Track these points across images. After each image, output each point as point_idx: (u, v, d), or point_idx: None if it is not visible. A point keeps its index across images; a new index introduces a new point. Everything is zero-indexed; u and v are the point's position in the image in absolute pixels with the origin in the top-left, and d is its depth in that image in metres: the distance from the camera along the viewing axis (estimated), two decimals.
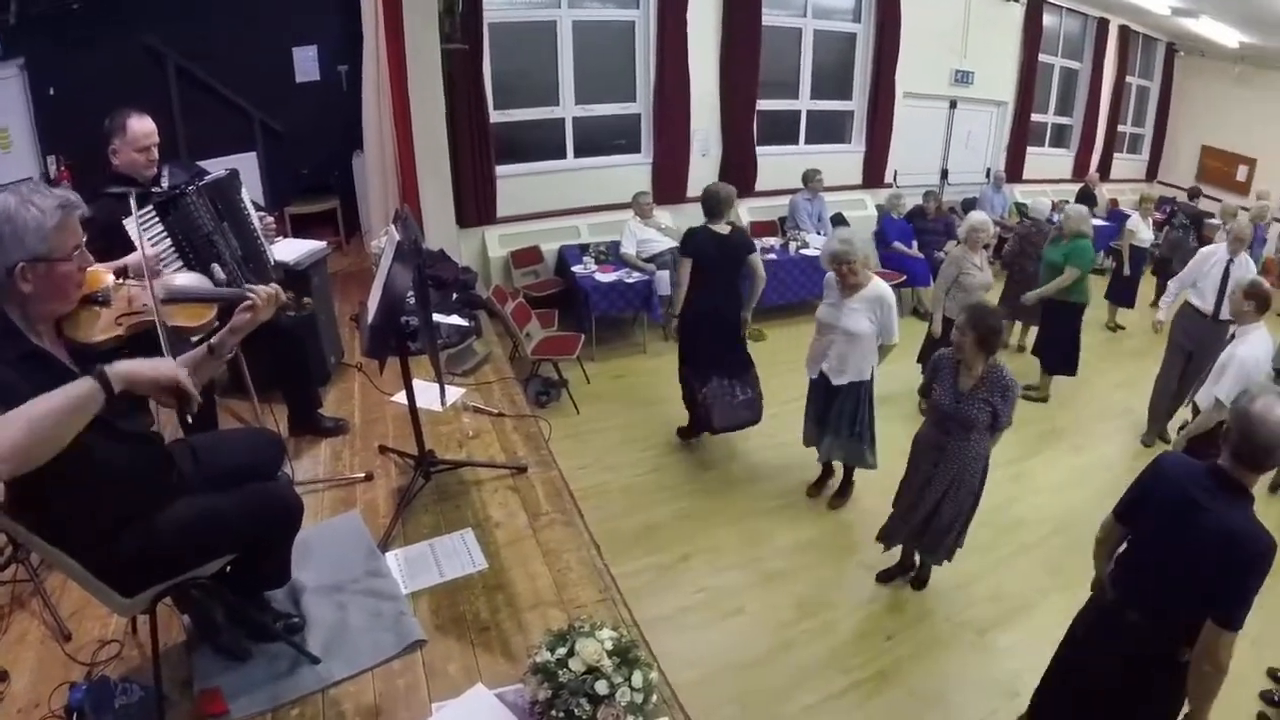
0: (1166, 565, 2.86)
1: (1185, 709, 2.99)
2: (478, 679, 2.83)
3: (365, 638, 2.93)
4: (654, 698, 2.52)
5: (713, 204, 5.78)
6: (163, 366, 2.11)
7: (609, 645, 2.49)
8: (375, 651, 2.88)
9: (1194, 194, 11.35)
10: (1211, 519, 2.70)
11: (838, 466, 5.83)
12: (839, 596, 4.95)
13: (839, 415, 5.43)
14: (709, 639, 4.46)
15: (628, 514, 5.50)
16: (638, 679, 2.46)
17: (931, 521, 4.59)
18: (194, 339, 2.59)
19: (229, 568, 2.64)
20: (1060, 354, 7.70)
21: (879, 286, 5.19)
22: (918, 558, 5.00)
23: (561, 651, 2.46)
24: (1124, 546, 3.09)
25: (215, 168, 4.05)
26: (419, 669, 2.88)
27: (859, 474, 5.77)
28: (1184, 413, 5.51)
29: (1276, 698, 4.47)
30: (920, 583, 5.00)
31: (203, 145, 5.99)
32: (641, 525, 5.40)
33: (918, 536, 4.75)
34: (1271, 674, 4.63)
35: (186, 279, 2.94)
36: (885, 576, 5.03)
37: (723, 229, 5.76)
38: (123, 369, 1.98)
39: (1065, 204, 9.69)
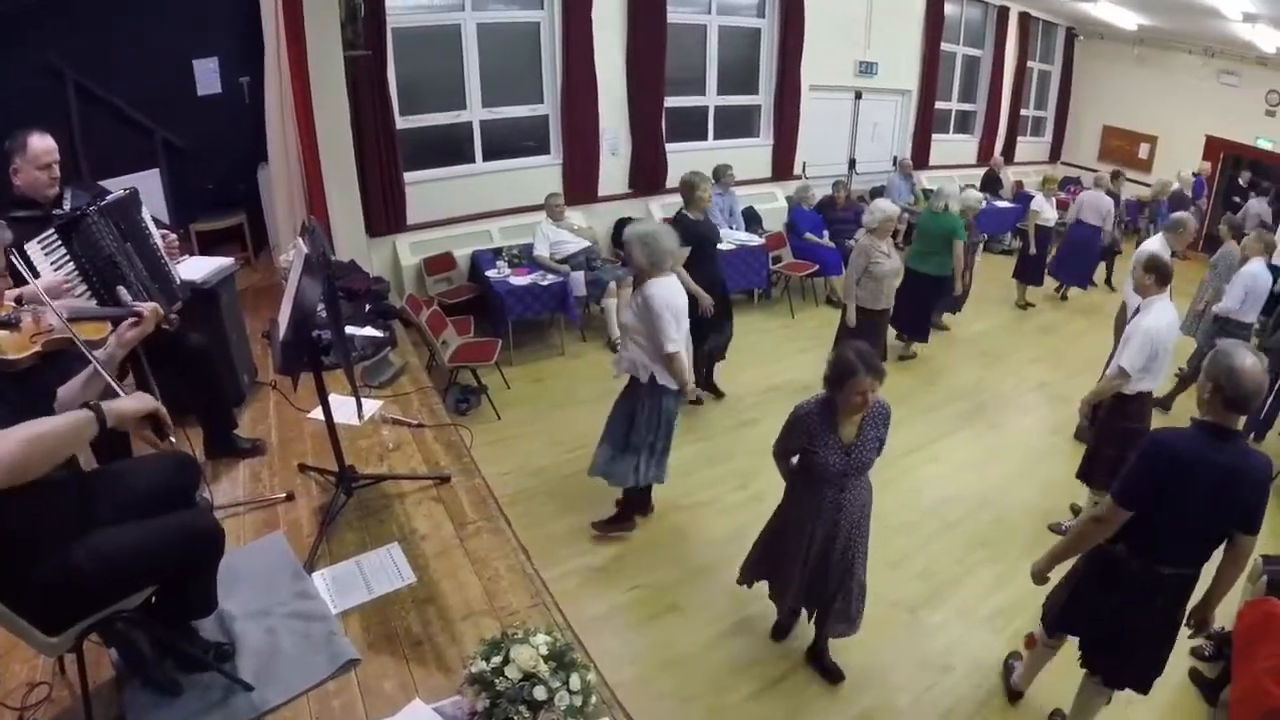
0: (1209, 523, 3.25)
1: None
2: (414, 694, 2.84)
3: (297, 661, 2.91)
4: (593, 699, 2.55)
5: (691, 193, 6.45)
6: (142, 401, 2.36)
7: (544, 650, 2.51)
8: (308, 674, 2.86)
9: (1115, 176, 11.74)
10: (1231, 465, 3.09)
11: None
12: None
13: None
14: (645, 636, 4.51)
15: (555, 517, 5.51)
16: (575, 681, 2.48)
17: (844, 587, 4.04)
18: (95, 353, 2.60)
19: (153, 599, 2.60)
20: (909, 319, 8.25)
21: (652, 285, 4.73)
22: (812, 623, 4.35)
23: (497, 660, 2.47)
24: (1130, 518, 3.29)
25: (118, 187, 3.95)
26: (354, 689, 2.87)
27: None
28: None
29: (1206, 651, 4.72)
30: (836, 675, 4.30)
31: (104, 165, 5.81)
32: (569, 528, 5.41)
33: (822, 606, 4.14)
34: None
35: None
36: (781, 632, 4.57)
37: (698, 216, 6.51)
38: (116, 407, 2.24)
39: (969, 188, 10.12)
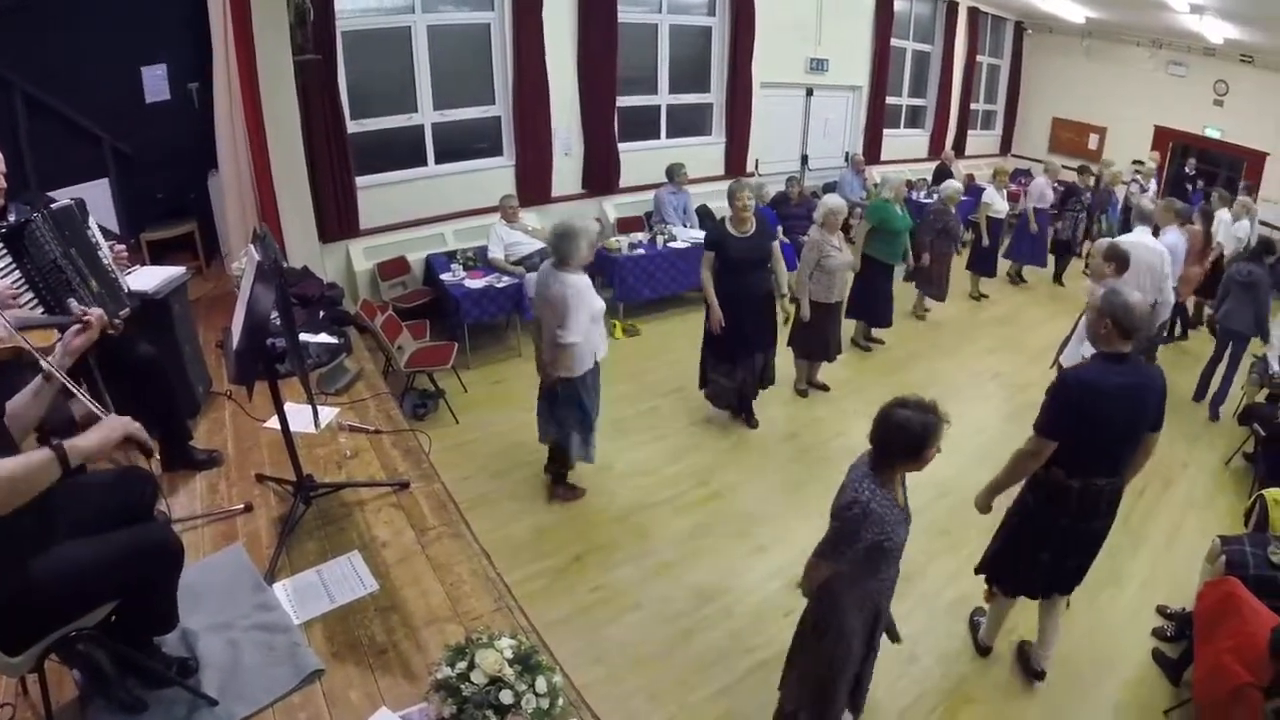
0: (1127, 433, 3.86)
1: None
2: (381, 703, 2.84)
3: (261, 674, 2.90)
4: (560, 701, 2.57)
5: (730, 202, 6.36)
6: (111, 428, 2.29)
7: (509, 654, 2.52)
8: (273, 686, 2.86)
9: (1082, 170, 11.89)
10: (1134, 381, 3.74)
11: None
12: (733, 580, 5.09)
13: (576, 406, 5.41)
14: (610, 636, 4.54)
15: (516, 520, 5.52)
16: (542, 684, 2.50)
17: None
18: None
19: (114, 616, 2.58)
20: (866, 307, 8.41)
21: (572, 277, 4.91)
22: None
23: (462, 665, 2.48)
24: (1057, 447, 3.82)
25: (67, 198, 3.89)
26: (319, 700, 2.86)
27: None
28: (1052, 374, 5.80)
29: (1168, 632, 4.87)
30: None
31: (53, 175, 5.68)
32: (531, 530, 5.43)
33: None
34: (1161, 610, 5.06)
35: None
36: None
37: (739, 231, 6.32)
38: (80, 445, 2.19)
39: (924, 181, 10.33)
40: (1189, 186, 13.80)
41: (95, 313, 2.77)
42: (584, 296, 4.90)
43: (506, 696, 2.43)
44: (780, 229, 10.21)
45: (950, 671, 4.37)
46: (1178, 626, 4.84)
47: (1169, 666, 4.59)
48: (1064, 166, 12.67)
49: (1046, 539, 4.06)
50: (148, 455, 2.44)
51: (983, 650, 4.59)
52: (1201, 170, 14.08)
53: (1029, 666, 4.49)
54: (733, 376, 6.67)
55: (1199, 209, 9.36)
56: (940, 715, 4.21)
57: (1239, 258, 8.55)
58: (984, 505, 4.15)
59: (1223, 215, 9.54)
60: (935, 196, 10.12)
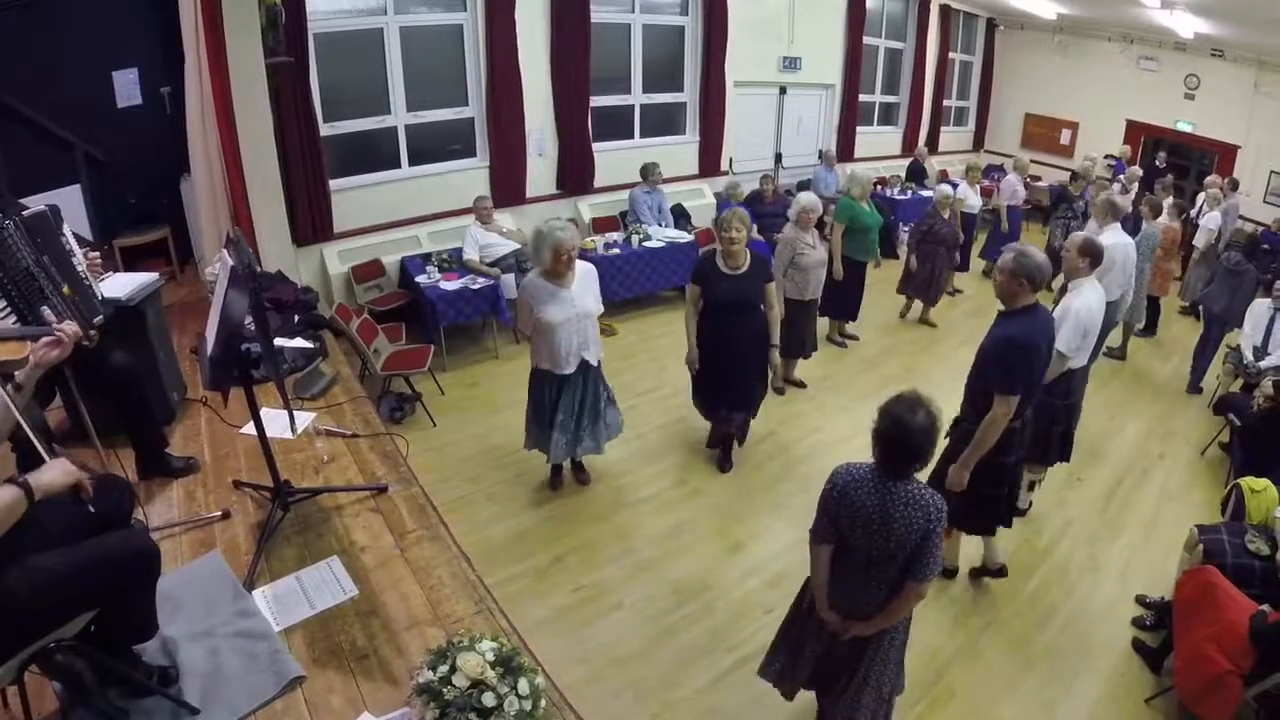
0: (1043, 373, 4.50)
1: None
2: (363, 708, 2.83)
3: (242, 681, 2.89)
4: (543, 702, 2.57)
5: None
6: (66, 470, 2.38)
7: (491, 656, 2.52)
8: (254, 694, 2.84)
9: (1074, 178, 11.92)
10: (1047, 323, 4.44)
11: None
12: (713, 578, 5.09)
13: (586, 408, 5.46)
14: (592, 636, 4.52)
15: (495, 522, 5.49)
16: (524, 686, 2.49)
17: None
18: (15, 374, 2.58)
19: (93, 626, 2.55)
20: (838, 303, 8.43)
21: (530, 275, 5.12)
22: None
23: (444, 669, 2.47)
24: None
25: (39, 204, 3.85)
26: (301, 706, 2.85)
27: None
28: None
29: (1148, 621, 4.93)
30: None
31: (25, 182, 5.62)
32: (510, 532, 5.40)
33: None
34: (1140, 600, 5.11)
35: None
36: None
37: (729, 268, 5.62)
38: (43, 480, 2.28)
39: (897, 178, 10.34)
40: (1167, 177, 13.91)
41: (70, 328, 2.74)
42: (534, 298, 4.97)
43: (489, 699, 2.42)
44: (754, 227, 10.26)
45: (931, 663, 4.38)
46: (1157, 615, 4.89)
47: (1149, 655, 4.64)
48: (1065, 169, 12.79)
49: (1002, 478, 4.62)
50: (85, 499, 2.44)
51: (949, 573, 5.14)
52: (1173, 164, 14.21)
53: (989, 571, 5.19)
54: (720, 409, 6.08)
55: (1173, 203, 9.52)
56: (924, 709, 4.22)
57: (1233, 246, 9.48)
58: (961, 481, 4.41)
59: (1165, 203, 9.60)
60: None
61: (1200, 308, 9.07)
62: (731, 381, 5.81)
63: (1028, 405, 4.43)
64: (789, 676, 3.73)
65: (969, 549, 5.18)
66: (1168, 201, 9.72)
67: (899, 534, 3.01)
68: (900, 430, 2.95)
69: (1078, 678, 4.52)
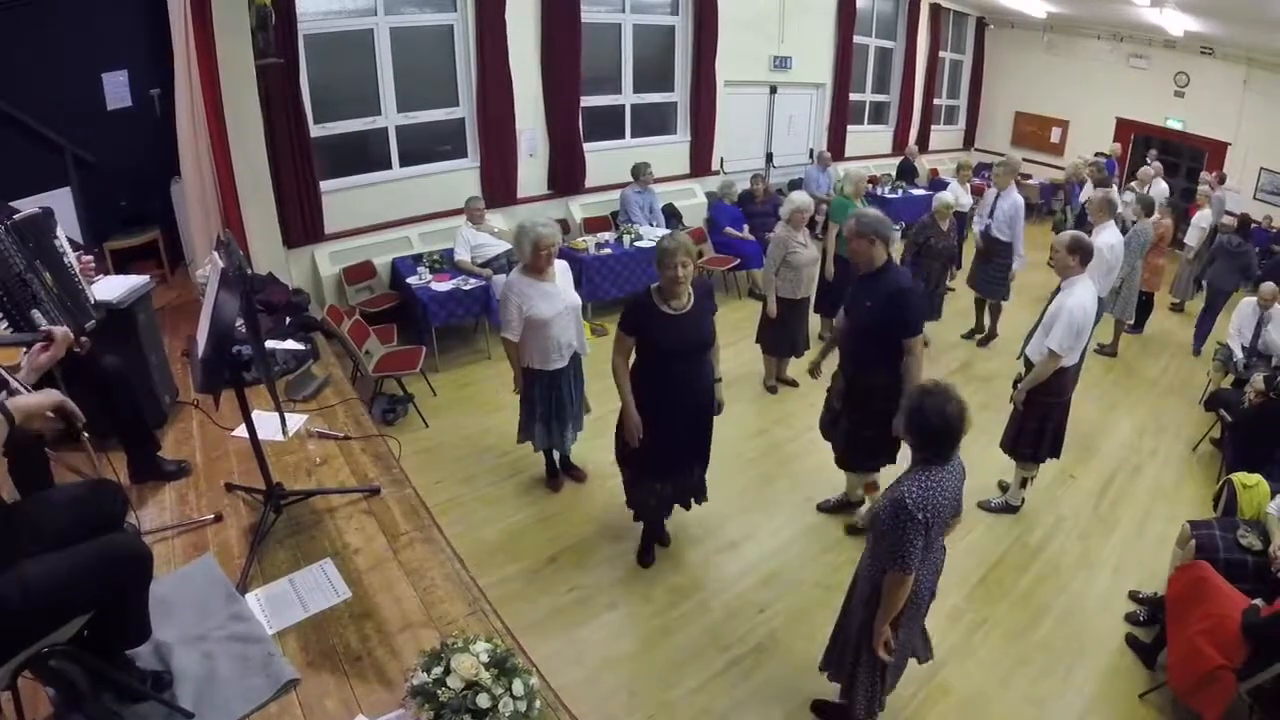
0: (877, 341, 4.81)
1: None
2: (358, 711, 2.82)
3: (236, 685, 2.87)
4: (538, 703, 2.56)
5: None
6: (44, 395, 2.36)
7: (485, 658, 2.50)
8: (248, 698, 2.83)
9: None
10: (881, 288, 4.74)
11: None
12: (707, 577, 5.09)
13: (575, 399, 5.55)
14: (586, 636, 4.52)
15: (488, 523, 5.49)
16: (518, 687, 2.48)
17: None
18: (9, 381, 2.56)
19: (86, 631, 2.54)
20: (833, 302, 8.18)
21: (514, 272, 5.20)
22: None
23: (438, 671, 2.46)
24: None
25: (29, 207, 3.83)
26: (296, 710, 2.84)
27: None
28: (1017, 366, 5.89)
29: (1141, 617, 4.95)
30: None
31: (14, 185, 5.56)
32: (504, 533, 5.40)
33: None
34: (1132, 596, 5.14)
35: None
36: None
37: (669, 308, 4.65)
38: (18, 402, 2.25)
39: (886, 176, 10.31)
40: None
41: (60, 331, 2.75)
42: (521, 296, 5.00)
43: (483, 700, 2.41)
44: (746, 227, 10.29)
45: (929, 662, 4.40)
46: (1150, 611, 4.91)
47: (1143, 651, 4.66)
48: (1056, 167, 12.89)
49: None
50: (78, 426, 2.47)
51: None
52: (1163, 161, 14.25)
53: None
54: (661, 491, 4.95)
55: (1168, 202, 9.63)
56: (918, 705, 4.24)
57: (1230, 230, 10.45)
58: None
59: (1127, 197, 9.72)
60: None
61: (1205, 283, 9.97)
62: (687, 435, 4.78)
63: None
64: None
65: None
66: (1160, 190, 9.93)
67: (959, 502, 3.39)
68: (946, 421, 3.15)
69: (1071, 673, 4.53)
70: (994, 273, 8.73)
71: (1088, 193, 10.59)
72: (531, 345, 5.13)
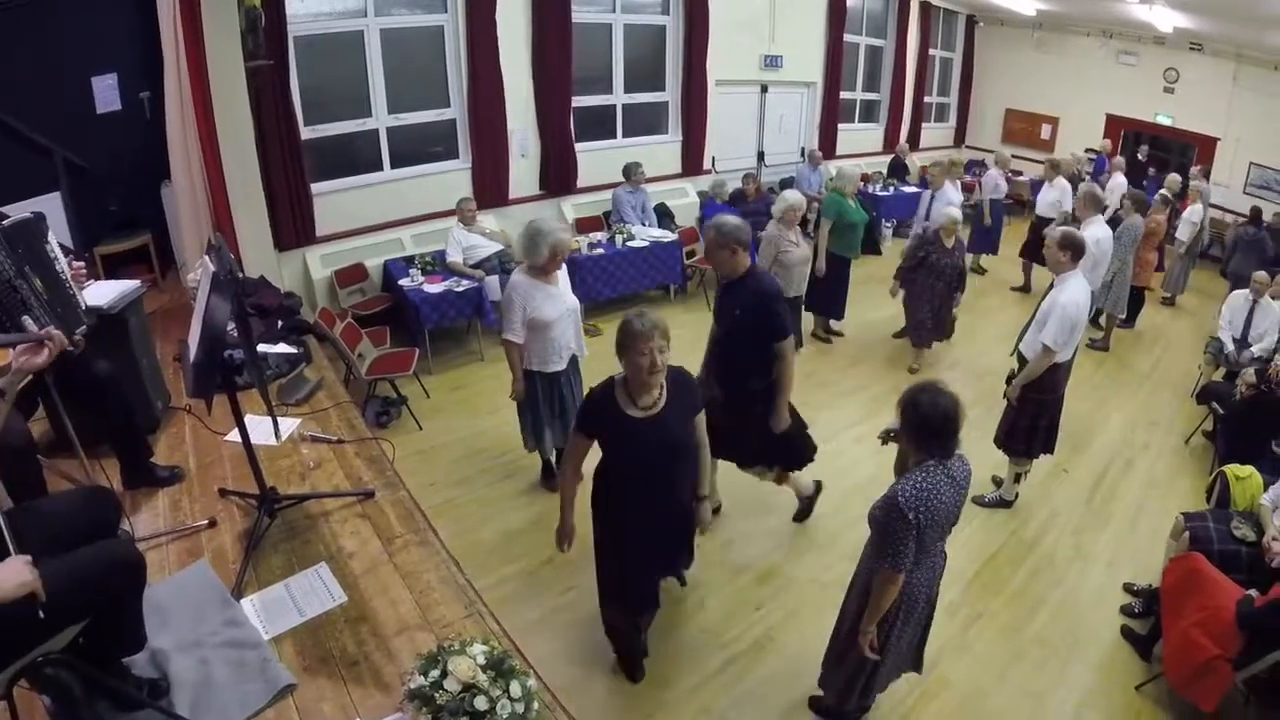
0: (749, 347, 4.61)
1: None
2: (355, 715, 2.82)
3: (233, 691, 2.87)
4: (535, 704, 2.55)
5: None
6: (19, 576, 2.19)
7: (482, 660, 2.50)
8: (245, 703, 2.82)
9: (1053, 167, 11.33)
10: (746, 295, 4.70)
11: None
12: (704, 575, 5.07)
13: (576, 399, 5.48)
14: (584, 637, 4.50)
15: (483, 525, 5.48)
16: (516, 689, 2.48)
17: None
18: None
19: (81, 639, 2.53)
20: (821, 299, 8.43)
21: (516, 273, 5.19)
22: None
23: (435, 674, 2.45)
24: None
25: (20, 212, 3.80)
26: (293, 715, 2.84)
27: None
28: (1010, 362, 5.90)
29: (1136, 609, 4.98)
30: None
31: (3, 190, 5.54)
32: (499, 534, 5.39)
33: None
34: (1127, 588, 5.17)
35: None
36: None
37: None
38: None
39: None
40: (1149, 171, 14.06)
41: (54, 334, 2.73)
42: (526, 297, 4.98)
43: (481, 703, 2.41)
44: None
45: (925, 658, 4.40)
46: (1145, 603, 4.94)
47: (1139, 642, 4.69)
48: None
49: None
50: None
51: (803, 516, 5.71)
52: (1154, 157, 14.33)
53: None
54: (635, 616, 4.15)
55: (1157, 196, 9.65)
56: (916, 700, 4.25)
57: (1242, 223, 11.17)
58: (783, 422, 4.98)
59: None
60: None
61: (1228, 274, 10.60)
62: (660, 568, 4.18)
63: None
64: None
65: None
66: (1117, 184, 10.20)
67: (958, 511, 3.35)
68: (942, 413, 3.14)
69: (1068, 666, 4.55)
70: None
71: (1048, 194, 10.76)
72: (532, 347, 5.11)
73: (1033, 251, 9.97)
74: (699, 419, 3.82)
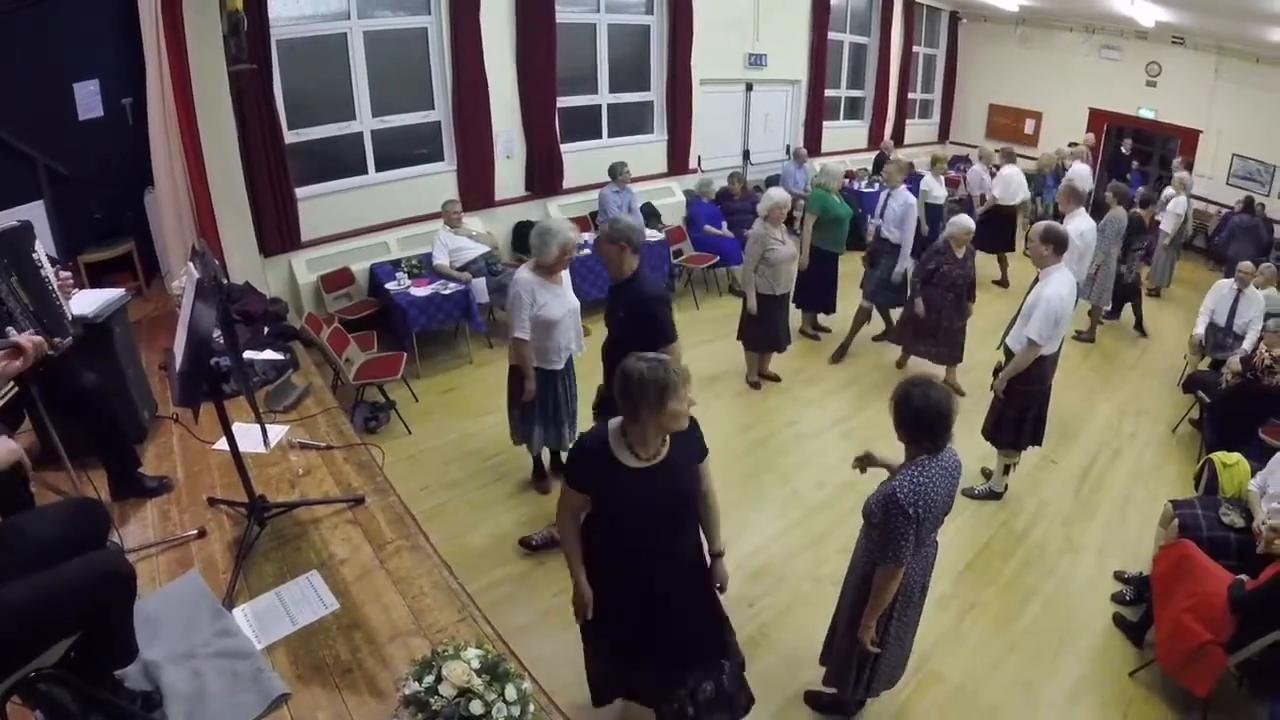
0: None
1: None
2: None
3: (226, 701, 2.85)
4: (531, 707, 2.54)
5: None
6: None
7: (476, 664, 2.49)
8: (239, 714, 2.80)
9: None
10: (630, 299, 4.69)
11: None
12: None
13: (571, 398, 5.56)
14: (578, 638, 4.46)
15: (474, 528, 5.47)
16: (511, 692, 2.47)
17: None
18: None
19: (73, 653, 2.51)
20: (810, 295, 8.42)
21: (521, 271, 5.20)
22: None
23: (429, 679, 2.44)
24: None
25: (4, 222, 3.76)
26: None
27: None
28: (996, 356, 5.93)
29: (1127, 596, 5.03)
30: None
31: None
32: (490, 538, 5.39)
33: None
34: (1118, 576, 5.22)
35: None
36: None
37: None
38: None
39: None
40: (1133, 164, 14.19)
41: (31, 339, 2.75)
42: (533, 295, 4.98)
43: (477, 707, 2.40)
44: (724, 224, 10.32)
45: (916, 649, 4.40)
46: (1136, 590, 4.98)
47: (1130, 630, 4.73)
48: (1029, 158, 13.08)
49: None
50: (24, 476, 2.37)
51: None
52: (1137, 150, 14.43)
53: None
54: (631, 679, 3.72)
55: (1138, 191, 9.78)
56: (911, 692, 4.27)
57: (1236, 210, 11.82)
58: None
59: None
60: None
61: (1225, 259, 10.98)
62: (671, 634, 3.43)
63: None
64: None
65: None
66: (1077, 173, 10.89)
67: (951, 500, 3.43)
68: (934, 407, 3.18)
69: (1061, 655, 4.58)
70: (883, 275, 8.39)
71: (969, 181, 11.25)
72: (534, 346, 5.12)
73: (982, 242, 9.77)
74: (704, 464, 3.40)
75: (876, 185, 12.81)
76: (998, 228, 10.87)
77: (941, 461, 3.25)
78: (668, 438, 3.11)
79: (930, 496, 3.17)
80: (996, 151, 11.61)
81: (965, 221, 7.42)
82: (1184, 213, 10.39)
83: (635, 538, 3.21)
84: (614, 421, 3.11)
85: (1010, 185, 10.87)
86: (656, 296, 4.72)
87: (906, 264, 8.27)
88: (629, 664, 3.56)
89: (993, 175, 11.52)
